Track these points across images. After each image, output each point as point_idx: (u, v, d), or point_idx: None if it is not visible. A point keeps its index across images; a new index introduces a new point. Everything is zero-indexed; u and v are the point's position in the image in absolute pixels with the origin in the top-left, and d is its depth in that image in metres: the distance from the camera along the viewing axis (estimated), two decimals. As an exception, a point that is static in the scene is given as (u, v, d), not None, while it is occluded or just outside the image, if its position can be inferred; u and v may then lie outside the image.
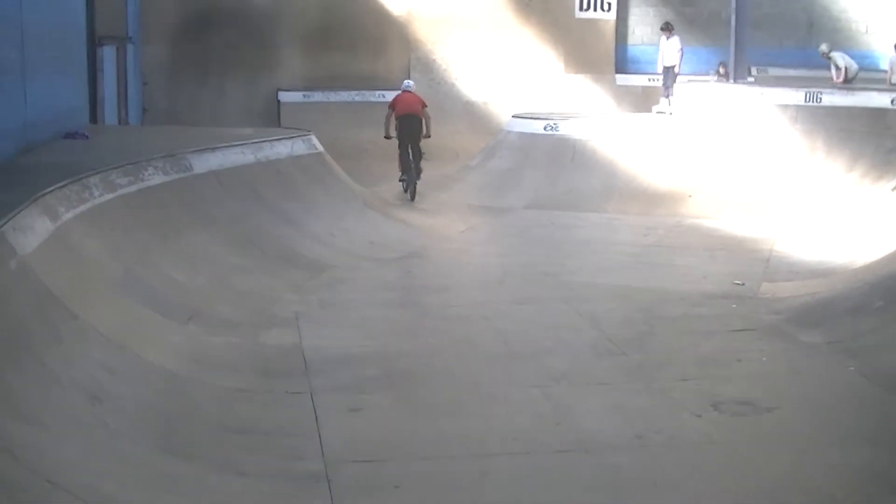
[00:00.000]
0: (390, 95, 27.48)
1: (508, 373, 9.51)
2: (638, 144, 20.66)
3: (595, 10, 29.38)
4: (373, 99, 27.85)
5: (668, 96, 23.31)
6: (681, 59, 23.38)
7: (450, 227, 17.41)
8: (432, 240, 16.17)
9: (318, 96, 28.01)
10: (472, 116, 28.19)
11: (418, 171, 19.92)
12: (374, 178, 20.89)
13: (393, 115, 20.02)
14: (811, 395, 9.02)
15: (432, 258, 15.00)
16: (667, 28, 24.10)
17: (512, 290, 12.88)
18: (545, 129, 21.57)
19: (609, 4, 29.36)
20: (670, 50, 23.51)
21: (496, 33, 28.73)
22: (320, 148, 17.30)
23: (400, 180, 20.11)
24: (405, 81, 21.69)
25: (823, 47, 23.01)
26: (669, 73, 23.38)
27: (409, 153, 19.87)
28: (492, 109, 28.01)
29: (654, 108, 23.66)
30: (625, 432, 7.94)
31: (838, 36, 31.17)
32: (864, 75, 23.55)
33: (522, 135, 22.01)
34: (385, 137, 20.22)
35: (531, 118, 22.51)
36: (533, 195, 19.58)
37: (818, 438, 7.96)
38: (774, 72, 28.16)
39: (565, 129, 21.40)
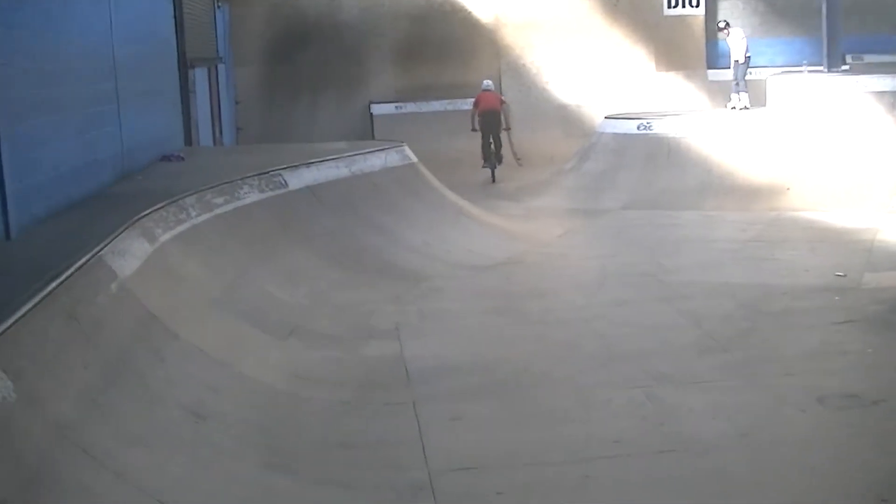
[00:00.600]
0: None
1: (609, 375, 9.44)
2: (732, 139, 20.43)
3: (683, 6, 29.12)
4: (464, 107, 27.77)
5: (738, 91, 23.05)
6: (746, 50, 23.07)
7: (546, 231, 17.34)
8: (529, 245, 16.11)
9: (410, 107, 28.09)
10: (565, 120, 28.09)
11: (499, 158, 24.08)
12: (468, 186, 20.91)
13: (476, 111, 23.80)
14: (921, 387, 8.86)
15: (530, 264, 14.93)
16: (723, 27, 23.90)
17: (611, 292, 12.80)
18: (638, 128, 21.42)
19: (698, 1, 29.11)
20: (734, 45, 23.25)
21: (585, 35, 28.62)
22: (414, 158, 17.34)
23: (483, 167, 23.96)
24: (484, 82, 24.71)
25: None
26: (739, 67, 23.11)
27: (490, 143, 23.85)
28: (584, 112, 27.88)
29: (728, 105, 23.37)
30: (729, 431, 7.86)
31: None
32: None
33: (616, 136, 21.87)
34: (472, 130, 23.75)
35: (624, 118, 22.37)
36: (629, 196, 19.47)
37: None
38: (870, 59, 27.67)
39: (659, 128, 21.24)
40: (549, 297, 12.78)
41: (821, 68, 22.58)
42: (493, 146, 23.86)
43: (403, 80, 28.48)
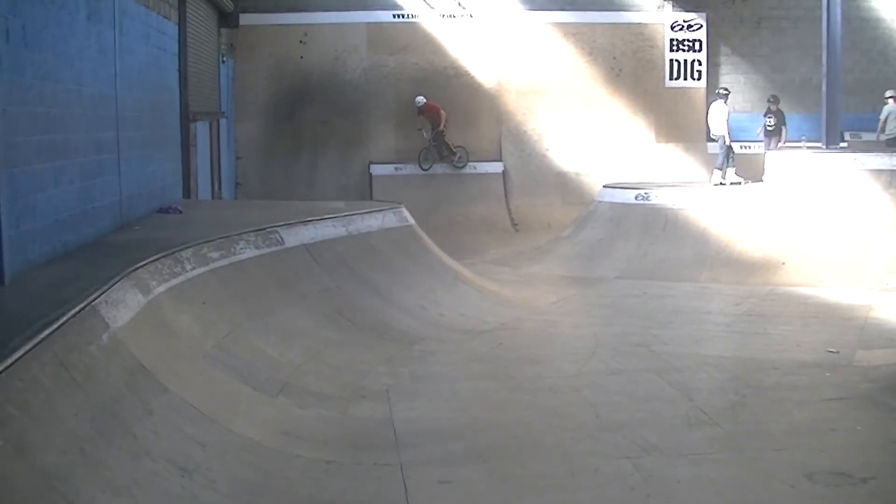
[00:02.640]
0: (482, 167, 27.96)
1: (598, 444, 9.40)
2: (730, 212, 20.53)
3: (685, 78, 29.43)
4: (464, 171, 28.04)
5: (721, 167, 23.28)
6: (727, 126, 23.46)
7: (541, 298, 17.35)
8: (523, 311, 16.11)
9: (409, 169, 28.21)
10: (564, 187, 28.26)
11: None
12: (465, 251, 20.97)
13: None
14: (908, 465, 8.85)
15: (523, 330, 14.92)
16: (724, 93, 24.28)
17: (603, 362, 12.78)
18: (636, 198, 21.53)
19: (699, 73, 29.39)
20: (720, 118, 23.55)
21: (587, 104, 28.87)
22: (411, 220, 17.39)
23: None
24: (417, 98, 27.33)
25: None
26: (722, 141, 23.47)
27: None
28: (583, 180, 28.07)
29: (711, 180, 23.53)
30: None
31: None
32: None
33: (614, 205, 21.97)
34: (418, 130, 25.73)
35: (622, 188, 22.49)
36: (625, 265, 19.53)
37: (915, 510, 7.81)
38: (868, 137, 27.89)
39: (657, 199, 21.35)
40: (540, 364, 12.75)
41: (819, 145, 22.75)
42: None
43: (404, 141, 28.61)
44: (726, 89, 24.68)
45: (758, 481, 8.39)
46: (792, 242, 19.27)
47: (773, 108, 25.12)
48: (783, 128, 25.13)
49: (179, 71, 18.76)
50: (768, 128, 25.17)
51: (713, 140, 24.49)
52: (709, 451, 9.24)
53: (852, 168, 20.06)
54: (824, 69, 22.94)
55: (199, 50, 21.01)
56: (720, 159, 23.47)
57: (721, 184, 22.97)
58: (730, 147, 23.43)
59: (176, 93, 18.53)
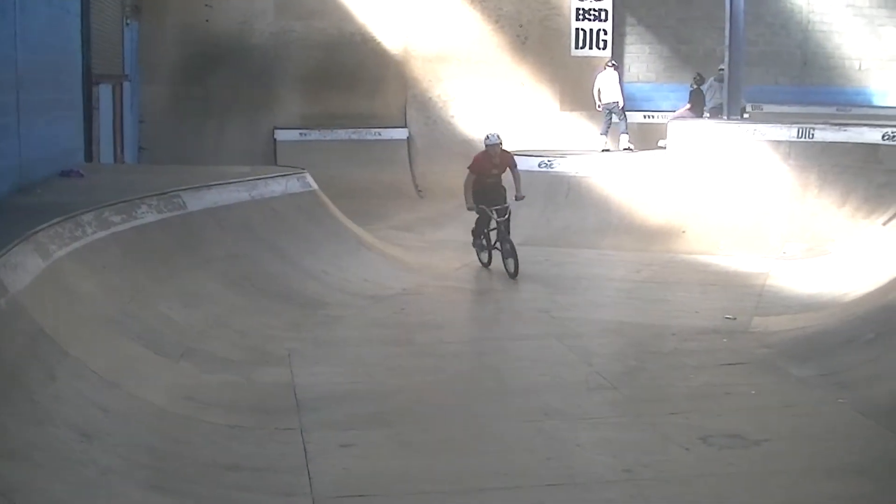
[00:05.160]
0: (387, 133, 27.85)
1: (501, 408, 9.53)
2: (632, 181, 20.75)
3: (591, 47, 29.55)
4: (369, 137, 28.00)
5: (603, 132, 23.74)
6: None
7: (445, 264, 17.43)
8: (427, 277, 16.18)
9: (315, 135, 28.07)
10: (469, 154, 28.09)
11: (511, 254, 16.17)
12: (369, 217, 20.94)
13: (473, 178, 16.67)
14: (802, 427, 9.05)
15: (427, 296, 14.98)
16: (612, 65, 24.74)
17: (506, 327, 12.93)
18: (540, 166, 21.66)
19: (605, 42, 29.53)
20: (615, 85, 23.93)
21: (493, 71, 28.89)
22: (314, 186, 17.31)
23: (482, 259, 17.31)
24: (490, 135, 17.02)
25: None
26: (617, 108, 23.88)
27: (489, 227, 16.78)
28: (489, 147, 28.09)
29: (600, 149, 23.85)
30: (614, 466, 7.97)
31: (832, 73, 31.53)
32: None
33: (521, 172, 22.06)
34: (468, 208, 16.70)
35: (526, 155, 22.55)
36: (528, 232, 19.60)
37: (808, 471, 7.97)
38: (769, 108, 28.32)
39: (560, 166, 21.51)
40: (443, 329, 12.86)
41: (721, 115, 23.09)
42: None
43: (310, 107, 28.46)
44: (615, 62, 25.09)
45: (655, 444, 8.57)
46: (692, 211, 19.54)
47: (695, 86, 25.29)
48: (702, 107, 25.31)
49: (82, 33, 18.44)
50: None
51: (598, 110, 24.61)
52: (608, 415, 9.41)
53: (752, 139, 20.38)
54: (727, 41, 23.20)
55: (102, 12, 20.68)
56: (604, 126, 23.88)
57: (607, 150, 23.32)
58: (624, 114, 23.78)
59: (78, 55, 18.24)
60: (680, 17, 30.52)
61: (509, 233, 16.33)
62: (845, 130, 19.85)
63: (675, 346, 11.84)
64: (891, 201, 17.41)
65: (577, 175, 21.14)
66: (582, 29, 29.47)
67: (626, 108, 24.21)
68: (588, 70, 28.91)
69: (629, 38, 30.40)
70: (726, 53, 23.27)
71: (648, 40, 30.50)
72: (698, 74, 25.59)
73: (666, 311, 13.72)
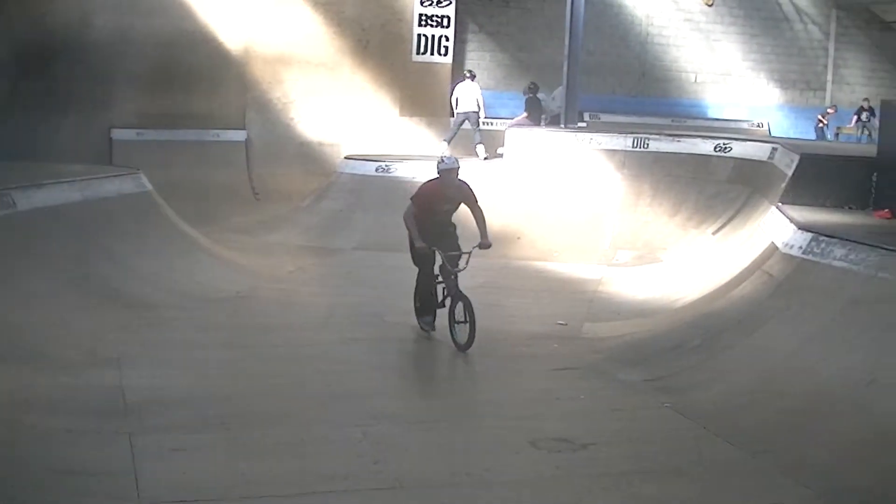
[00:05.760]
0: (225, 135, 27.45)
1: (331, 413, 9.47)
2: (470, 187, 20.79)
3: (432, 53, 29.57)
4: (208, 138, 27.57)
5: (448, 139, 23.90)
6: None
7: (279, 267, 17.28)
8: (261, 280, 16.03)
9: (152, 135, 27.47)
10: (307, 157, 28.03)
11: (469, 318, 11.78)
12: (205, 218, 20.61)
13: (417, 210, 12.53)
14: (627, 431, 9.20)
15: (260, 299, 14.84)
16: (469, 76, 24.76)
17: (338, 331, 12.85)
18: (377, 170, 21.65)
19: (446, 49, 29.60)
20: (473, 95, 24.10)
21: (333, 75, 28.69)
22: (149, 187, 17.01)
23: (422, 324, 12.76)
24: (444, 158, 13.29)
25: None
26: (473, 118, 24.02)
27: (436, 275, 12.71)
28: (327, 151, 27.88)
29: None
30: (442, 471, 7.99)
31: (669, 85, 32.25)
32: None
33: (354, 176, 22.05)
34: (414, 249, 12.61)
35: (363, 160, 22.58)
36: (363, 236, 19.58)
37: (632, 472, 8.10)
38: (607, 118, 28.79)
39: (397, 171, 21.51)
40: (276, 332, 12.75)
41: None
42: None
43: (148, 106, 27.84)
44: (473, 72, 25.25)
45: (484, 448, 8.60)
46: (528, 218, 19.69)
47: (530, 94, 25.51)
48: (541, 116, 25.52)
49: None
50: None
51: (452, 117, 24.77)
52: (439, 419, 9.42)
53: (588, 147, 20.67)
54: (566, 50, 23.50)
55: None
56: (450, 134, 24.00)
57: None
58: (478, 124, 23.94)
59: None
60: (520, 26, 30.82)
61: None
62: (679, 142, 20.27)
63: (507, 351, 11.91)
64: (721, 211, 17.79)
65: (414, 180, 21.06)
66: (424, 35, 29.48)
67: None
68: (429, 76, 29.05)
69: (470, 45, 30.57)
70: (565, 63, 23.56)
71: (489, 48, 30.72)
72: (532, 83, 25.83)
73: (500, 317, 13.76)
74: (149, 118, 27.54)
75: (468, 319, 11.57)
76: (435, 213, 12.38)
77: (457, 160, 12.57)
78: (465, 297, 11.81)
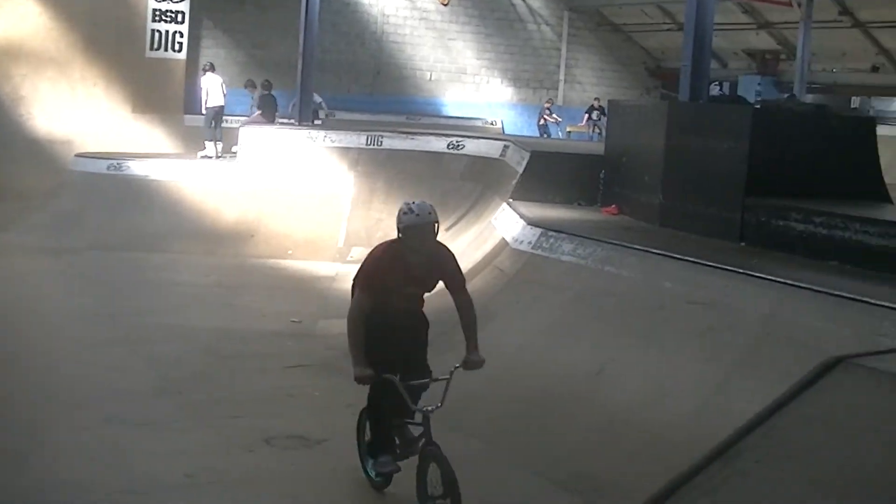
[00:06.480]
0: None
1: (62, 417, 9.30)
2: (202, 185, 20.60)
3: (166, 49, 29.11)
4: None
5: (213, 139, 23.60)
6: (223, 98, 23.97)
7: (8, 268, 16.78)
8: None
9: None
10: (39, 155, 27.20)
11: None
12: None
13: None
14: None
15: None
16: (208, 69, 24.61)
17: (70, 333, 12.62)
18: (108, 168, 21.23)
19: (180, 45, 29.17)
20: (214, 90, 23.94)
21: (65, 70, 27.84)
22: None
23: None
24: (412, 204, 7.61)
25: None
26: (215, 114, 23.82)
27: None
28: (59, 148, 27.09)
29: (199, 153, 23.68)
30: (175, 472, 7.97)
31: (404, 83, 32.75)
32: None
33: (86, 174, 21.55)
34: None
35: (95, 158, 22.10)
36: (95, 235, 19.15)
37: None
38: (342, 116, 28.98)
39: (130, 169, 21.14)
40: (4, 336, 12.40)
41: (293, 121, 23.42)
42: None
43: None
44: (212, 64, 25.08)
45: (218, 447, 8.63)
46: (262, 216, 19.66)
47: (264, 92, 25.39)
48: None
49: None
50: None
51: (202, 114, 24.50)
52: (172, 420, 9.36)
53: (322, 145, 20.76)
54: (301, 48, 23.58)
55: None
56: (218, 130, 23.68)
57: (219, 156, 23.18)
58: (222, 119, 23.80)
59: None
60: (255, 23, 30.78)
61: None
62: (413, 139, 20.57)
63: (241, 349, 11.96)
64: (454, 208, 18.10)
65: (147, 178, 20.84)
66: (158, 30, 28.97)
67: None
68: (163, 73, 28.60)
69: (206, 42, 30.34)
70: (300, 61, 23.63)
71: (225, 44, 30.57)
72: (266, 80, 25.78)
73: (233, 315, 13.79)
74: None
75: (449, 496, 6.86)
76: (390, 304, 7.57)
77: (432, 208, 7.44)
78: (443, 456, 7.02)
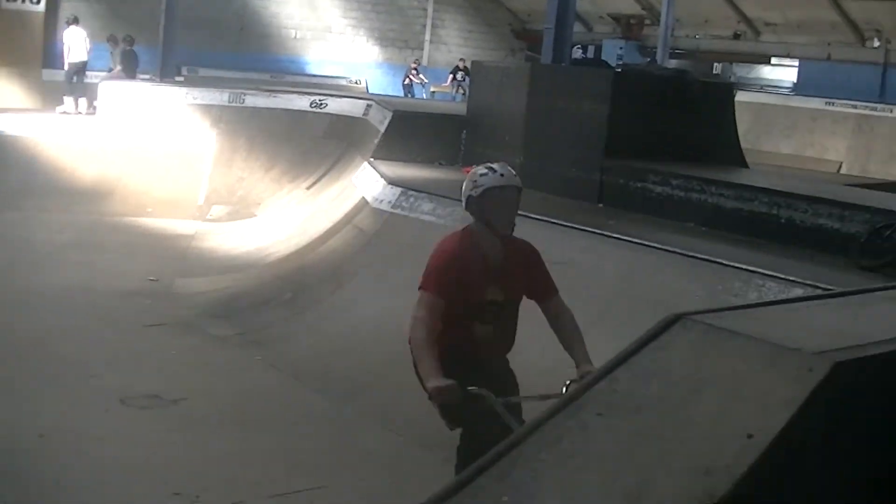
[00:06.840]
0: None
1: None
2: (58, 141, 20.11)
3: (24, 1, 28.38)
4: None
5: (74, 94, 23.06)
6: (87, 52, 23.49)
7: None
8: None
9: None
10: None
11: None
12: None
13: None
14: (218, 385, 9.36)
15: None
16: (71, 22, 24.08)
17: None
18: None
19: (39, -5, 28.48)
20: (76, 45, 23.41)
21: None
22: None
23: None
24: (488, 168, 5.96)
25: None
26: (77, 69, 23.29)
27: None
28: None
29: (59, 108, 23.13)
30: (28, 433, 7.83)
31: (269, 41, 32.51)
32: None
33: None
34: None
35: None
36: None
37: (221, 426, 8.27)
38: (206, 72, 28.64)
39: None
40: None
41: (154, 77, 23.07)
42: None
43: None
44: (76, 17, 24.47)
45: (72, 408, 8.50)
46: (121, 173, 19.29)
47: (127, 47, 24.87)
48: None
49: None
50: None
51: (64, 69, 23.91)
52: (22, 382, 9.13)
53: (184, 102, 20.47)
54: (164, 3, 23.19)
55: None
56: (80, 86, 23.11)
57: (80, 112, 22.62)
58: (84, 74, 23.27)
59: None
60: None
61: None
62: (275, 97, 20.43)
63: (97, 309, 11.72)
64: (315, 167, 18.05)
65: (1, 133, 20.32)
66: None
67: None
68: (19, 24, 27.88)
69: (63, -6, 29.66)
70: (162, 16, 23.24)
71: (79, -3, 29.92)
72: (128, 35, 25.27)
73: (89, 274, 13.49)
74: None
75: None
76: (476, 311, 5.85)
77: (511, 171, 5.86)
78: None
